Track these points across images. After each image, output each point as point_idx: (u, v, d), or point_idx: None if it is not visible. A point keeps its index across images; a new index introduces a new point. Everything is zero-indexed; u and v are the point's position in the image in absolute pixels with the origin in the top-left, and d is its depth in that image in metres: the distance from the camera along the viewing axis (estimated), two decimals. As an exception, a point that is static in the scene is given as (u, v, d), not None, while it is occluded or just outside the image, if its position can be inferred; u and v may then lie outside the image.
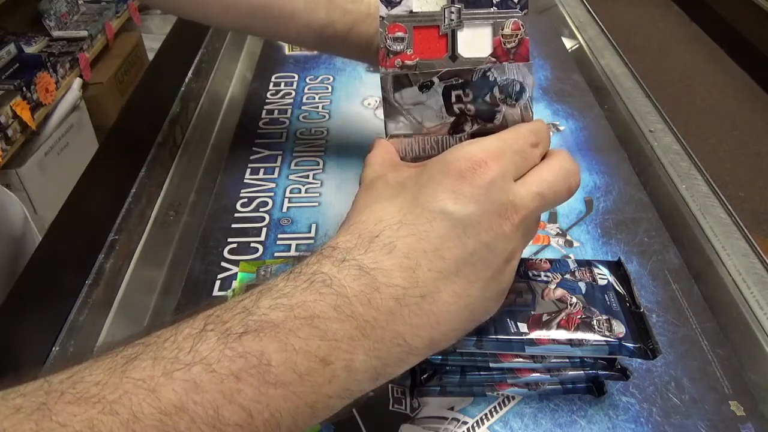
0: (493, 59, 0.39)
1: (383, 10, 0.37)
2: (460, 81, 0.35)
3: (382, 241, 0.29)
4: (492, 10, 0.38)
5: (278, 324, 0.25)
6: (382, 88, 0.36)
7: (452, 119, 0.36)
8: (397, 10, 0.37)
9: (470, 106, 0.36)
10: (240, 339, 0.25)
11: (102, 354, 0.25)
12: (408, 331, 0.28)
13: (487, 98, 0.35)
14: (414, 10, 0.37)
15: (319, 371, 0.26)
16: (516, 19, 0.38)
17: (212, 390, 0.23)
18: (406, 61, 0.39)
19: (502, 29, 0.38)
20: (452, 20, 0.38)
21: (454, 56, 0.39)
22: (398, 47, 0.38)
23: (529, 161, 0.33)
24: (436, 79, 0.35)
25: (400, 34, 0.37)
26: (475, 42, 0.39)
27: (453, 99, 0.35)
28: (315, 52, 0.79)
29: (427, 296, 0.29)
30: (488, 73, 0.35)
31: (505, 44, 0.38)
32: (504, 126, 0.35)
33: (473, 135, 0.36)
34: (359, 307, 0.27)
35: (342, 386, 0.27)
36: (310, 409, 0.26)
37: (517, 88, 0.36)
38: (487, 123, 0.36)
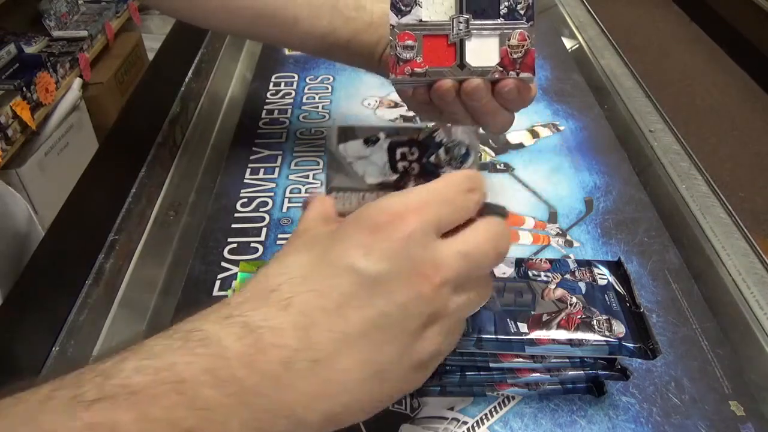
0: (501, 68, 0.39)
1: (393, 19, 0.38)
2: (405, 139, 0.34)
3: (278, 295, 0.26)
4: (499, 21, 0.39)
5: (138, 390, 0.22)
6: (326, 138, 0.36)
7: (395, 177, 0.34)
8: (407, 19, 0.38)
9: (414, 165, 0.34)
10: (90, 408, 0.22)
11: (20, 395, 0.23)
12: (298, 400, 0.24)
13: (432, 159, 0.34)
14: (423, 19, 0.38)
15: None
16: (522, 30, 0.39)
17: None
18: (415, 69, 0.39)
19: (509, 40, 0.39)
20: (460, 30, 0.39)
21: (462, 65, 0.40)
22: (408, 55, 0.39)
23: (460, 210, 0.29)
24: (382, 135, 0.33)
25: (409, 42, 0.38)
26: (482, 51, 0.39)
27: (398, 156, 0.34)
28: (315, 53, 0.79)
29: (322, 361, 0.25)
30: (435, 134, 0.34)
31: (511, 54, 0.39)
32: None
33: None
34: (239, 371, 0.24)
35: None
36: None
37: (463, 151, 0.35)
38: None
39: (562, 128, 0.67)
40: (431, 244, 0.27)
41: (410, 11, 0.38)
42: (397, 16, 0.38)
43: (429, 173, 0.34)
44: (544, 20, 0.93)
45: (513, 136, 0.65)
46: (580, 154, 0.63)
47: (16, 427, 0.21)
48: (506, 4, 0.39)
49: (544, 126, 0.67)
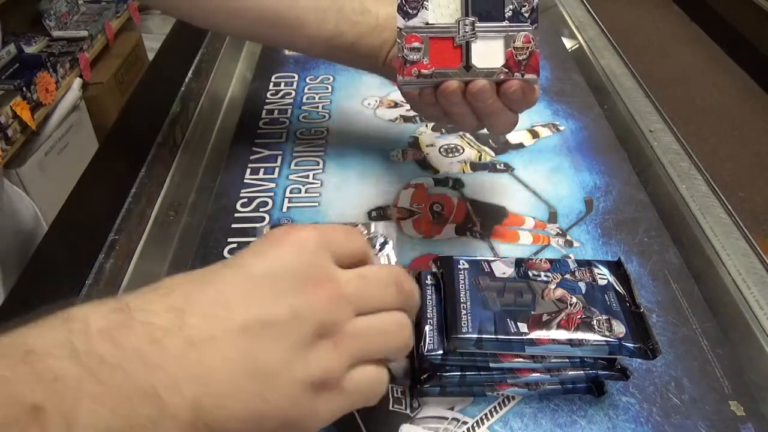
0: (506, 70, 0.40)
1: (401, 22, 0.39)
2: None
3: (162, 286, 0.25)
4: (504, 23, 0.40)
5: None
6: None
7: None
8: (413, 22, 0.39)
9: None
10: None
11: None
12: (162, 380, 0.22)
13: None
14: (430, 22, 0.39)
15: (25, 422, 0.20)
16: (527, 33, 0.40)
17: None
18: (422, 70, 0.40)
19: (514, 42, 0.40)
20: (466, 32, 0.40)
21: (468, 66, 0.41)
22: (415, 57, 0.40)
23: (352, 242, 0.29)
24: None
25: (416, 44, 0.39)
26: (488, 53, 0.41)
27: None
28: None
29: (197, 343, 0.23)
30: (357, 227, 0.37)
31: (516, 56, 0.40)
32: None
33: None
34: (99, 345, 0.22)
35: None
36: None
37: (381, 240, 0.38)
38: None
39: (562, 128, 0.67)
40: (327, 259, 0.27)
41: (417, 14, 0.39)
42: (404, 18, 0.39)
43: None
44: (544, 20, 0.93)
45: (513, 136, 0.65)
46: (580, 154, 0.63)
47: None
48: (511, 7, 0.40)
49: (544, 126, 0.67)
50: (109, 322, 0.22)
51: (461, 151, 0.63)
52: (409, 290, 0.30)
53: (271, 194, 0.57)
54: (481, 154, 0.63)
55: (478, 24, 0.40)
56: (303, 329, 0.25)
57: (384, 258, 0.38)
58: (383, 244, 0.38)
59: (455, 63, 0.40)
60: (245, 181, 0.59)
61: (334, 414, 0.27)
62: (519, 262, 0.42)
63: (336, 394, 0.27)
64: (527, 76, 0.41)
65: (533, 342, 0.37)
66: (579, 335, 0.37)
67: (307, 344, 0.25)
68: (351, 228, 0.31)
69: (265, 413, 0.24)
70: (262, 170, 0.60)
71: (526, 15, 0.40)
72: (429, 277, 0.43)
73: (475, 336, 0.37)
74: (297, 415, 0.25)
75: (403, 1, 0.39)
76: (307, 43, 0.53)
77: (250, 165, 0.61)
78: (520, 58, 0.40)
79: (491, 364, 0.39)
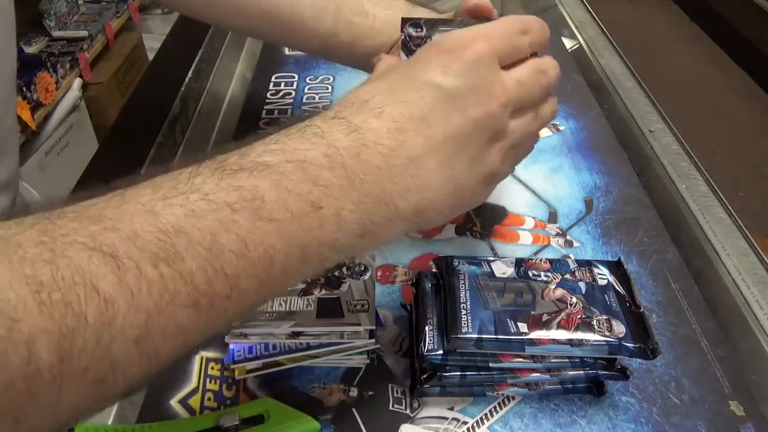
0: None
1: (403, 57, 0.39)
2: None
3: (371, 105, 0.30)
4: None
5: (271, 165, 0.26)
6: None
7: (303, 285, 0.41)
8: None
9: (320, 277, 0.42)
10: (235, 175, 0.26)
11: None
12: (395, 190, 0.29)
13: (336, 272, 0.42)
14: None
15: (310, 214, 0.27)
16: None
17: (209, 217, 0.24)
18: None
19: None
20: None
21: None
22: None
23: (516, 48, 0.34)
24: None
25: None
26: None
27: None
28: (315, 52, 0.79)
29: (413, 159, 0.30)
30: None
31: None
32: (350, 292, 0.41)
33: (320, 300, 0.40)
34: (348, 160, 0.28)
35: (331, 234, 0.28)
36: (301, 253, 0.27)
37: (362, 268, 0.43)
38: (333, 290, 0.41)
39: (562, 128, 0.67)
40: (496, 68, 0.32)
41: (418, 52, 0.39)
42: (407, 56, 0.39)
43: (333, 283, 0.41)
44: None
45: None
46: (580, 154, 0.63)
47: (170, 183, 0.25)
48: None
49: (544, 126, 0.67)
50: (350, 141, 0.28)
51: (461, 151, 0.63)
52: (552, 78, 0.36)
53: (271, 194, 0.57)
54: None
55: None
56: (482, 137, 0.32)
57: (363, 282, 0.42)
58: (363, 272, 0.42)
59: None
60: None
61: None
62: (519, 262, 0.42)
63: (502, 173, 0.35)
64: None
65: (533, 342, 0.37)
66: (579, 335, 0.37)
67: (484, 148, 0.32)
68: (513, 33, 0.34)
69: (457, 204, 0.33)
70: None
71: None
72: (429, 277, 0.43)
73: (475, 336, 0.37)
74: (476, 201, 0.34)
75: (407, 39, 0.39)
76: (305, 40, 0.54)
77: (250, 165, 0.61)
78: None
79: (491, 364, 0.39)
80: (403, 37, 0.39)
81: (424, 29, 0.39)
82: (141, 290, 0.22)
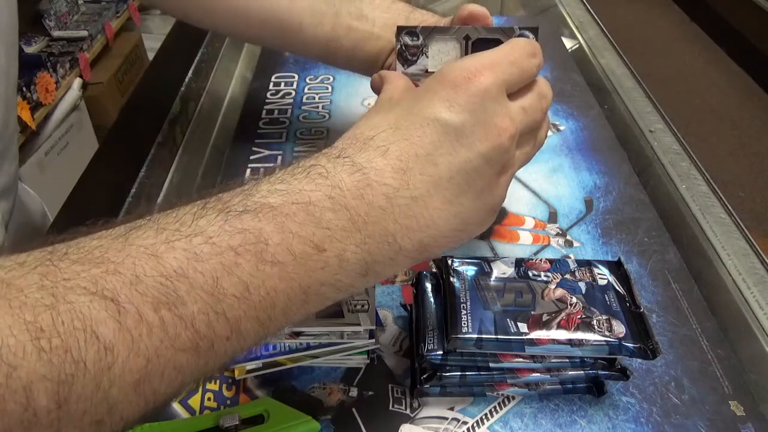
0: None
1: (399, 69, 0.39)
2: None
3: (375, 143, 0.30)
4: None
5: (276, 207, 0.26)
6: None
7: None
8: (412, 69, 0.39)
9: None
10: (240, 217, 0.26)
11: (102, 230, 0.25)
12: (398, 230, 0.29)
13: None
14: (429, 70, 0.39)
15: (313, 256, 0.27)
16: None
17: (212, 261, 0.24)
18: None
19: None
20: None
21: None
22: None
23: (525, 73, 0.33)
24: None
25: None
26: None
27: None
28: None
29: (418, 199, 0.29)
30: None
31: None
32: None
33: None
34: (352, 201, 0.28)
35: (333, 275, 0.28)
36: (303, 294, 0.27)
37: (362, 305, 0.40)
38: None
39: (562, 128, 0.67)
40: (503, 99, 0.32)
41: (417, 61, 0.39)
42: (403, 66, 0.39)
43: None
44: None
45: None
46: (580, 154, 0.63)
47: (173, 225, 0.25)
48: None
49: (544, 126, 0.67)
50: (354, 182, 0.28)
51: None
52: (550, 101, 0.36)
53: (271, 194, 0.57)
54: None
55: None
56: (490, 171, 0.31)
57: (363, 319, 0.40)
58: (363, 308, 0.41)
59: None
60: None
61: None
62: (519, 262, 0.42)
63: (504, 199, 0.34)
64: None
65: (533, 342, 0.37)
66: (579, 335, 0.37)
67: (492, 182, 0.32)
68: (522, 57, 0.33)
69: (462, 237, 0.32)
70: (262, 170, 0.60)
71: None
72: (429, 277, 0.43)
73: (475, 336, 0.37)
74: (480, 231, 0.34)
75: (403, 48, 0.39)
76: (304, 46, 0.54)
77: (250, 165, 0.61)
78: None
79: (491, 364, 0.39)
80: (398, 46, 0.39)
81: (420, 37, 0.38)
82: (141, 335, 0.23)
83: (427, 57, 0.39)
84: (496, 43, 0.37)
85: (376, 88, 0.37)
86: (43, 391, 0.21)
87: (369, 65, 0.52)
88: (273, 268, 0.26)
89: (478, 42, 0.38)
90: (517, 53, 0.33)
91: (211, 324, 0.24)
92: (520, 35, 0.37)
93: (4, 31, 0.48)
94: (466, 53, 0.39)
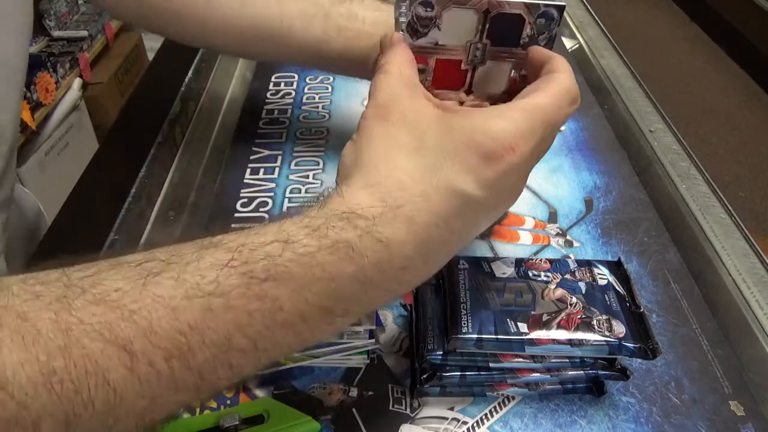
0: (506, 95, 0.39)
1: (408, 39, 0.36)
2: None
3: (404, 213, 0.29)
4: (517, 49, 0.37)
5: (297, 278, 0.27)
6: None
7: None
8: (422, 42, 0.37)
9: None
10: (261, 284, 0.26)
11: (121, 260, 0.26)
12: (403, 286, 0.31)
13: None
14: (440, 43, 0.37)
15: (322, 318, 0.28)
16: None
17: (227, 320, 0.25)
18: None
19: (522, 70, 0.38)
20: (476, 56, 0.38)
21: (469, 90, 0.39)
22: (419, 78, 0.37)
23: (559, 126, 0.33)
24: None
25: (422, 65, 0.37)
26: (492, 77, 0.39)
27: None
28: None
29: (428, 262, 0.31)
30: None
31: (519, 83, 0.38)
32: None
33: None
34: (371, 272, 0.28)
35: (336, 329, 0.31)
36: (303, 342, 0.29)
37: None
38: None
39: (562, 128, 0.67)
40: (531, 164, 0.32)
41: (427, 33, 0.37)
42: (411, 38, 0.36)
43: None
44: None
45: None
46: (580, 154, 0.63)
47: (193, 278, 0.25)
48: (528, 33, 0.37)
49: (544, 126, 0.67)
50: (377, 256, 0.28)
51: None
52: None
53: (271, 194, 0.57)
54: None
55: (489, 48, 0.37)
56: (491, 221, 0.34)
57: (363, 319, 0.40)
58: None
59: (458, 85, 0.39)
60: (245, 181, 0.59)
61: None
62: (519, 262, 0.42)
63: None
64: None
65: (533, 342, 0.37)
66: (579, 335, 0.37)
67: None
68: (561, 110, 0.32)
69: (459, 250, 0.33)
70: (262, 170, 0.60)
71: (542, 43, 0.37)
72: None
73: (475, 336, 0.37)
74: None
75: (414, 19, 0.36)
76: (295, 50, 0.53)
77: (250, 165, 0.61)
78: (523, 85, 0.38)
79: (491, 364, 0.39)
80: (409, 17, 0.36)
81: (435, 8, 0.35)
82: (150, 381, 0.24)
83: (440, 30, 0.36)
84: (517, 20, 0.35)
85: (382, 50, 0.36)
86: (51, 427, 0.22)
87: (360, 65, 0.51)
88: (282, 329, 0.27)
89: (498, 17, 0.36)
90: (557, 109, 0.32)
91: (216, 371, 0.26)
92: (544, 13, 0.35)
93: (20, 31, 0.48)
94: (484, 28, 0.36)
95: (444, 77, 0.39)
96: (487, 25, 0.36)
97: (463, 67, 0.38)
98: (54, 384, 0.22)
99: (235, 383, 0.28)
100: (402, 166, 0.30)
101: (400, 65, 0.34)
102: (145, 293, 0.24)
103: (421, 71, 0.37)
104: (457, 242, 0.32)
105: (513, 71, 0.38)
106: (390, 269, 0.29)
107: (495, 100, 0.40)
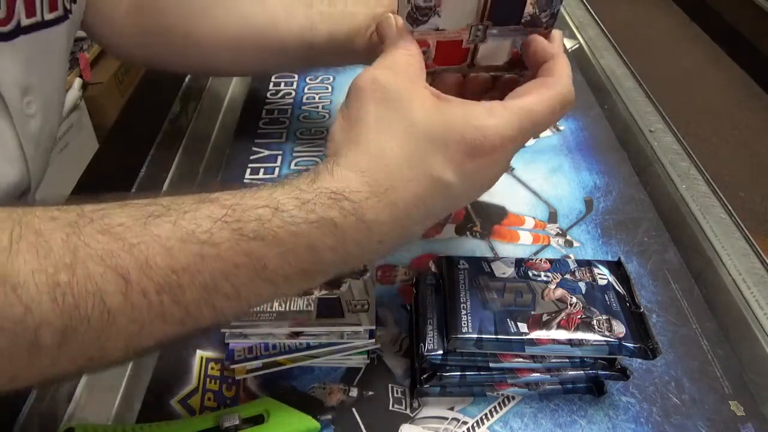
0: (507, 67, 0.39)
1: (408, 28, 0.36)
2: None
3: (388, 198, 0.31)
4: (518, 27, 0.38)
5: (283, 242, 0.29)
6: None
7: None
8: (423, 28, 0.37)
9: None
10: (249, 242, 0.28)
11: (128, 201, 0.29)
12: (378, 254, 0.33)
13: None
14: (441, 28, 0.37)
15: (302, 278, 0.31)
16: (536, 34, 0.39)
17: (215, 268, 0.28)
18: (426, 70, 0.38)
19: (523, 43, 0.39)
20: (477, 36, 0.38)
21: (471, 64, 0.40)
22: None
23: (546, 128, 0.37)
24: None
25: (423, 48, 0.37)
26: (493, 51, 0.39)
27: None
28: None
29: (403, 236, 0.33)
30: None
31: (522, 55, 0.39)
32: (350, 292, 0.41)
33: (320, 300, 0.40)
34: (351, 246, 0.31)
35: (315, 285, 0.36)
36: (282, 295, 0.32)
37: (362, 267, 0.42)
38: (333, 289, 0.40)
39: (562, 128, 0.67)
40: (510, 159, 0.34)
41: (427, 21, 0.37)
42: (412, 25, 0.36)
43: (332, 283, 0.41)
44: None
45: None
46: (580, 154, 0.63)
47: (189, 225, 0.27)
48: (529, 11, 0.37)
49: (544, 126, 0.67)
50: (358, 234, 0.30)
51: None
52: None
53: (271, 194, 0.57)
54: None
55: (490, 29, 0.38)
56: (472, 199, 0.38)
57: (361, 283, 0.41)
58: (362, 272, 0.41)
59: (459, 61, 0.40)
60: (245, 181, 0.59)
61: None
62: (519, 262, 0.42)
63: None
64: (525, 73, 0.40)
65: (533, 342, 0.37)
66: (579, 335, 0.37)
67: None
68: (553, 114, 0.34)
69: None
70: (262, 170, 0.60)
71: (544, 21, 0.38)
72: (429, 277, 0.43)
73: (475, 336, 0.37)
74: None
75: (413, 10, 0.36)
76: (282, 45, 0.54)
77: (250, 165, 0.61)
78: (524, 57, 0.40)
79: (491, 364, 0.39)
80: (409, 8, 0.35)
81: None
82: (141, 309, 0.26)
83: (440, 17, 0.36)
84: (518, 2, 0.36)
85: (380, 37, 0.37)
86: (50, 334, 0.25)
87: (349, 49, 0.51)
88: (264, 283, 0.29)
89: None
90: (549, 113, 0.34)
91: (201, 310, 0.28)
92: None
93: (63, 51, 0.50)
94: (485, 10, 0.36)
95: (445, 55, 0.39)
96: (488, 6, 0.36)
97: (464, 46, 0.39)
98: (57, 295, 0.24)
99: (216, 323, 0.30)
100: (390, 148, 0.32)
101: (407, 57, 0.35)
102: (145, 231, 0.27)
103: (422, 53, 0.37)
104: (434, 218, 0.34)
105: (516, 46, 0.39)
106: (368, 243, 0.31)
107: (497, 70, 0.40)
